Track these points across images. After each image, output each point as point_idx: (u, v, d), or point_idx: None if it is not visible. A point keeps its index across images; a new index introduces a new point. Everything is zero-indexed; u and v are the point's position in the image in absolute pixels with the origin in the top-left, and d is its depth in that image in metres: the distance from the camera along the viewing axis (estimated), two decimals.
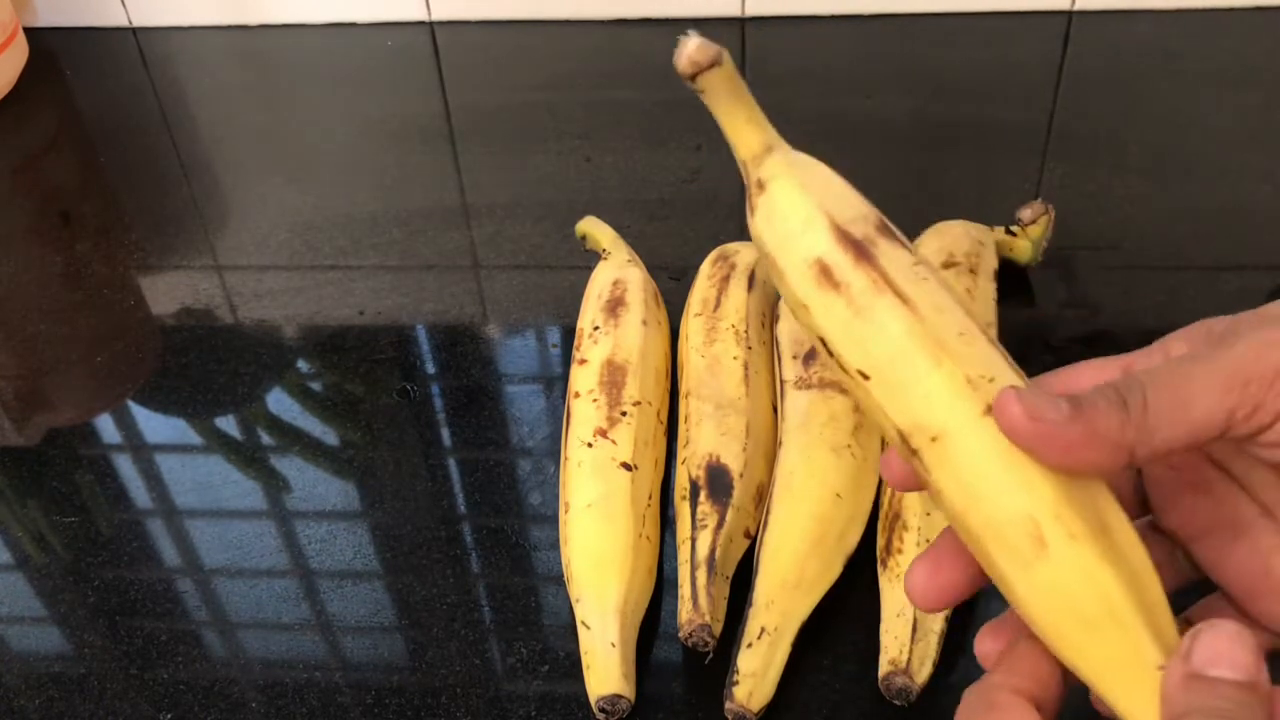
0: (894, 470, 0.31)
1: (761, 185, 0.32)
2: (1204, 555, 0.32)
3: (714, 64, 0.31)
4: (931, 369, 0.29)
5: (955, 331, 0.29)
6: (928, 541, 0.42)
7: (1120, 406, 0.27)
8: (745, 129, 0.33)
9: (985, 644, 0.32)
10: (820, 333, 0.31)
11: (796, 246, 0.31)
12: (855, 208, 0.31)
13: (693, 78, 0.32)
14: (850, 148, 0.68)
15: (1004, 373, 0.29)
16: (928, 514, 0.44)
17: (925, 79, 0.73)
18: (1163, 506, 0.33)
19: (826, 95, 0.73)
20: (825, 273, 0.30)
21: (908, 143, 0.68)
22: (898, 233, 0.31)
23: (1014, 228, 0.56)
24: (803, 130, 0.74)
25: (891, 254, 0.30)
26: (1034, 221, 0.55)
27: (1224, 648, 0.26)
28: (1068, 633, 0.27)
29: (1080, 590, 0.27)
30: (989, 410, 0.28)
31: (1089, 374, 0.31)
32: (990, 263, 0.52)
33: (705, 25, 0.78)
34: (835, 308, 0.30)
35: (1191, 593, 0.33)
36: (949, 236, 0.53)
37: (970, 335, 0.29)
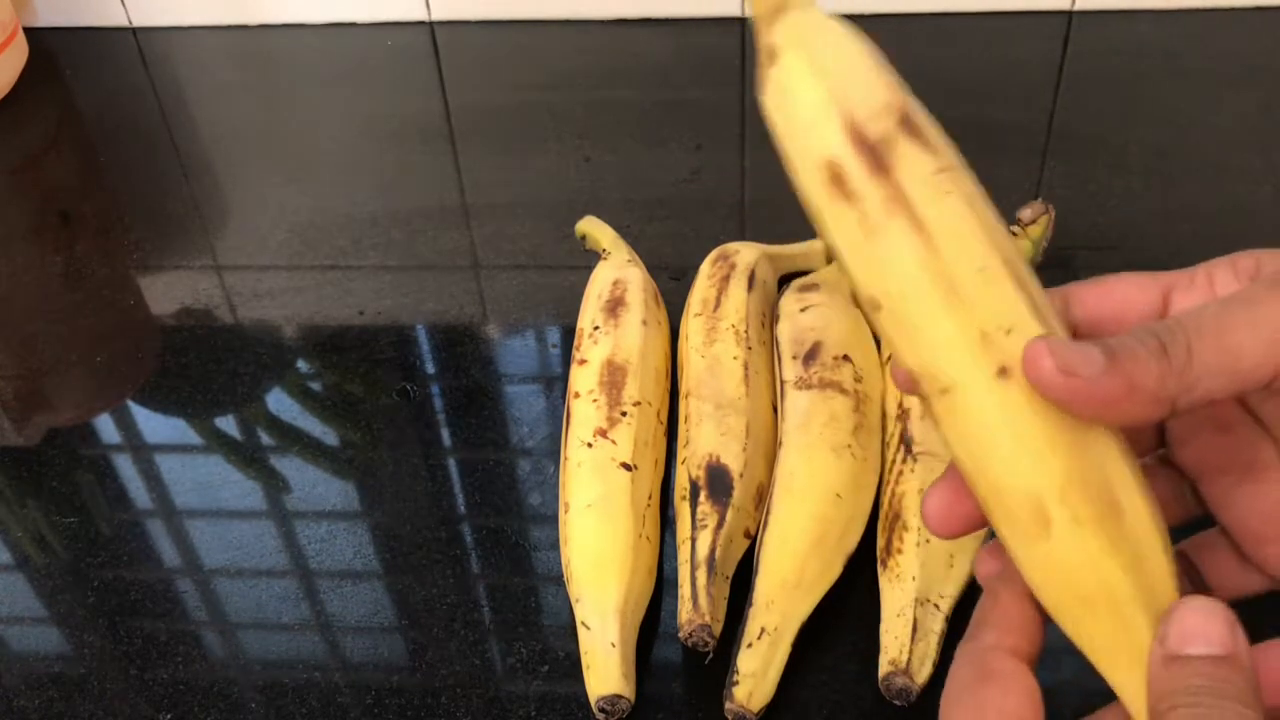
0: (900, 378, 0.29)
1: (772, 55, 0.28)
2: (1214, 494, 0.31)
3: None
4: (942, 316, 0.26)
5: (975, 267, 0.26)
6: (928, 542, 0.42)
7: (1161, 355, 0.25)
8: None
9: (986, 565, 0.30)
10: (833, 247, 0.28)
11: (807, 142, 0.27)
12: (877, 95, 0.28)
13: None
14: None
15: (1024, 320, 0.26)
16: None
17: (925, 79, 0.73)
18: (1181, 439, 0.31)
19: None
20: (837, 180, 0.27)
21: None
22: (924, 124, 0.28)
23: (1014, 227, 0.56)
24: None
25: (912, 159, 0.27)
26: (1034, 221, 0.55)
27: (1197, 624, 0.25)
28: (1066, 608, 0.27)
29: (1081, 574, 0.26)
30: (1002, 372, 0.26)
31: (1126, 290, 0.29)
32: None
33: (705, 25, 0.78)
34: (847, 223, 0.27)
35: (1196, 528, 0.32)
36: None
37: (991, 271, 0.26)
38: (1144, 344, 0.25)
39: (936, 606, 0.41)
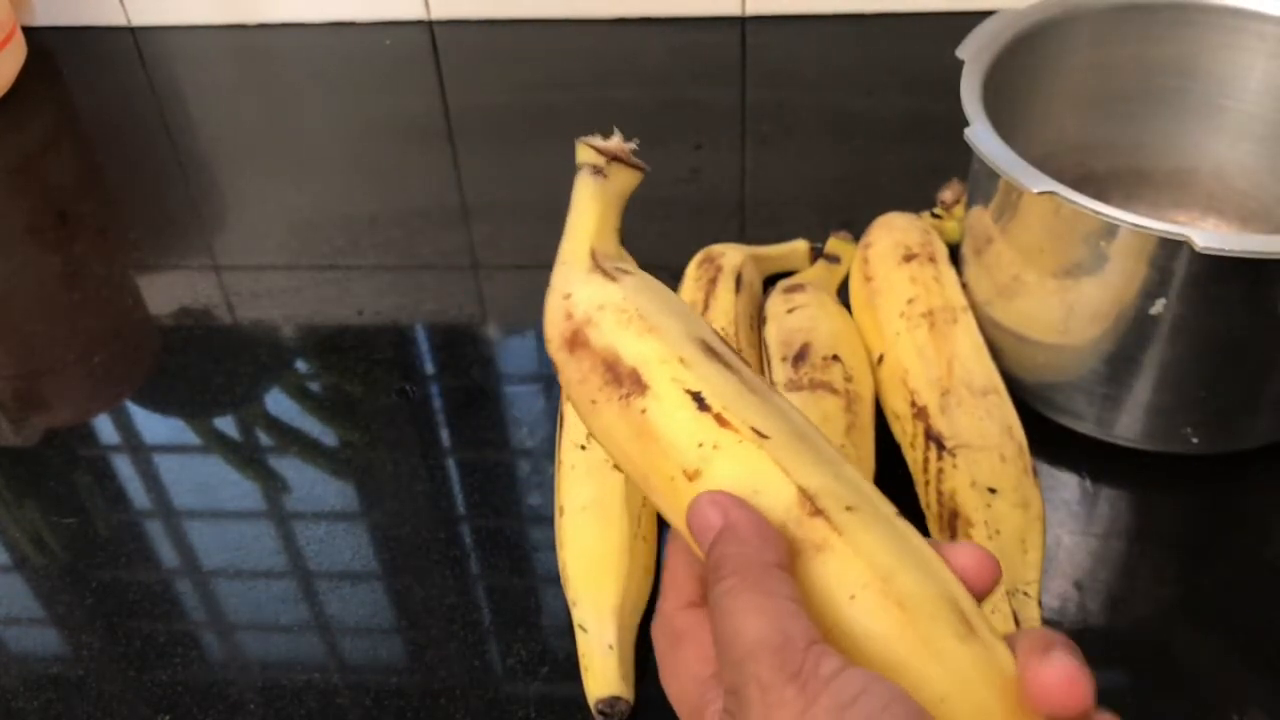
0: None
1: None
2: None
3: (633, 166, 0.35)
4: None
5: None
6: (999, 533, 0.43)
7: None
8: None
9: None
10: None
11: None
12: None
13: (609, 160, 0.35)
14: (850, 147, 0.68)
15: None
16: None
17: (925, 78, 0.73)
18: None
19: (826, 94, 0.72)
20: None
21: (908, 142, 0.68)
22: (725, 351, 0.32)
23: (938, 210, 0.55)
24: (803, 129, 0.74)
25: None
26: (957, 201, 0.55)
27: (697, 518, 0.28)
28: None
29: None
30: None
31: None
32: (943, 248, 0.52)
33: (705, 25, 0.78)
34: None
35: None
36: (898, 229, 0.53)
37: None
38: None
39: (1026, 594, 0.41)
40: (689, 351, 0.31)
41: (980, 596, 0.28)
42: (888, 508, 0.29)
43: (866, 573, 0.27)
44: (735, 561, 0.27)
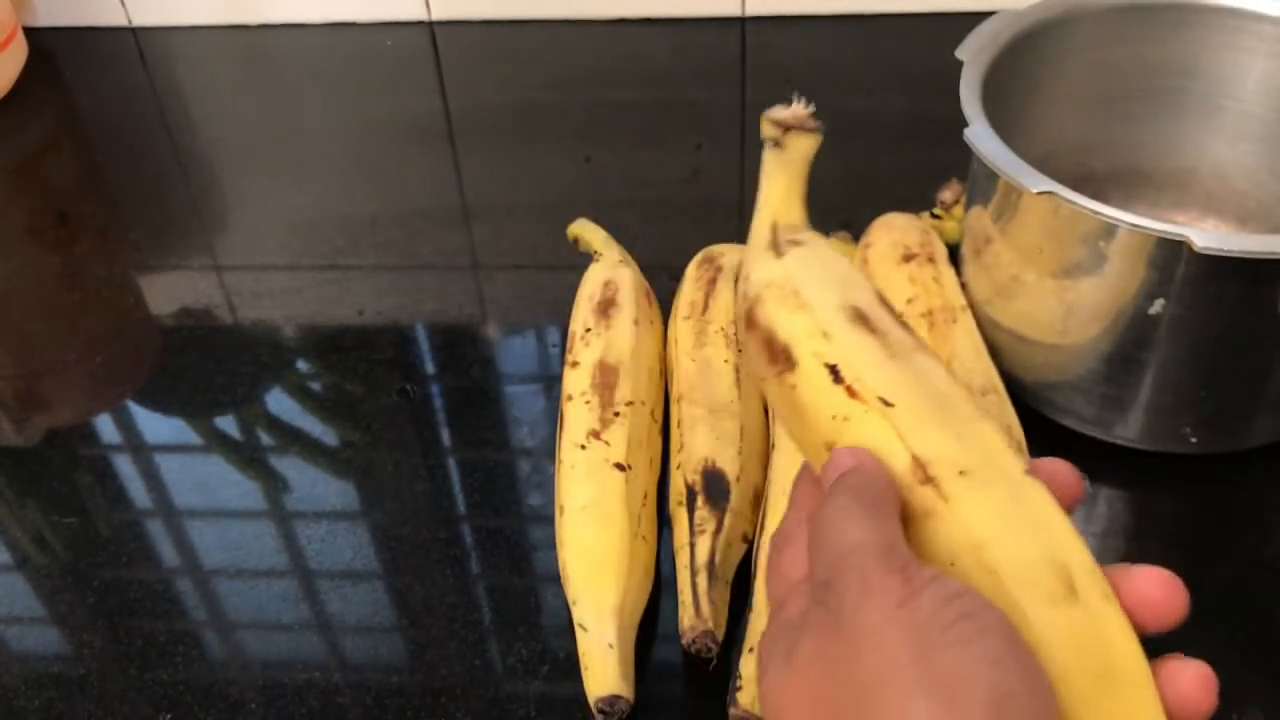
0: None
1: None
2: None
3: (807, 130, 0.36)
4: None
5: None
6: None
7: None
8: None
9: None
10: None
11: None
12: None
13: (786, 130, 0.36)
14: (850, 147, 0.68)
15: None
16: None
17: (925, 79, 0.73)
18: None
19: (826, 95, 0.72)
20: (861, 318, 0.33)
21: (908, 142, 0.68)
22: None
23: (937, 210, 0.55)
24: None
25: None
26: (957, 202, 0.55)
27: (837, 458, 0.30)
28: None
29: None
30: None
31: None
32: (942, 248, 0.53)
33: (705, 25, 0.78)
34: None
35: None
36: (897, 230, 0.53)
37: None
38: None
39: None
40: (835, 323, 0.32)
41: (1166, 625, 0.29)
42: (1017, 467, 0.30)
43: (963, 539, 0.29)
44: (855, 489, 0.29)
